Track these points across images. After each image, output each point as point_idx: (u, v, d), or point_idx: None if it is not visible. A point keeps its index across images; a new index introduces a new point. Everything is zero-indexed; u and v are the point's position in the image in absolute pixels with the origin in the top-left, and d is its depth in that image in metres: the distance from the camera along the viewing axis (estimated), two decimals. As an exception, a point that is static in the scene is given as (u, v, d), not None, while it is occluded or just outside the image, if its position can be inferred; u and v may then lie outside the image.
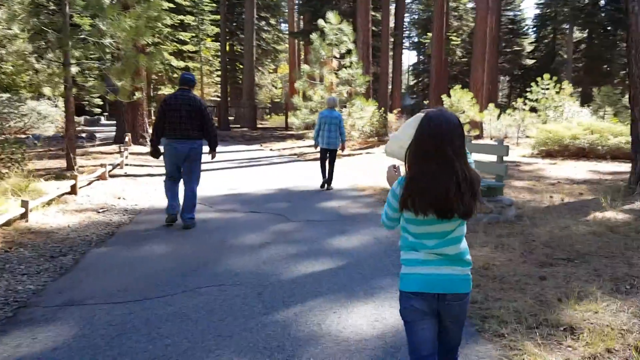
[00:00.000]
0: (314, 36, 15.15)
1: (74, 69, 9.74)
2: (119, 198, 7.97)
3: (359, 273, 4.43)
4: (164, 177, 6.28)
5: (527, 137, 20.12)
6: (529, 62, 39.33)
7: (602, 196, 7.65)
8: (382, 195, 8.38)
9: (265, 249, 5.21)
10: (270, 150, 17.90)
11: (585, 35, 38.39)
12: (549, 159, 14.26)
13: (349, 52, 15.45)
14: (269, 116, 36.87)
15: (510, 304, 3.64)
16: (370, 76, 16.79)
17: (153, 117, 32.61)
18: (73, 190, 7.79)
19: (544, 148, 15.22)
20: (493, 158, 6.96)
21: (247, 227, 6.18)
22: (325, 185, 9.03)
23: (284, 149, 18.24)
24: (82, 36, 9.81)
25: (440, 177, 1.86)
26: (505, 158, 6.77)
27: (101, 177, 9.42)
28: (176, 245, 5.37)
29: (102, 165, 9.85)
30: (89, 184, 8.92)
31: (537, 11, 40.54)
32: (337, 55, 15.46)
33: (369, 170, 11.92)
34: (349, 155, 15.50)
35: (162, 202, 7.00)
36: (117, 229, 6.06)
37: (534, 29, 43.56)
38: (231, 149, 17.57)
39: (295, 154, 16.30)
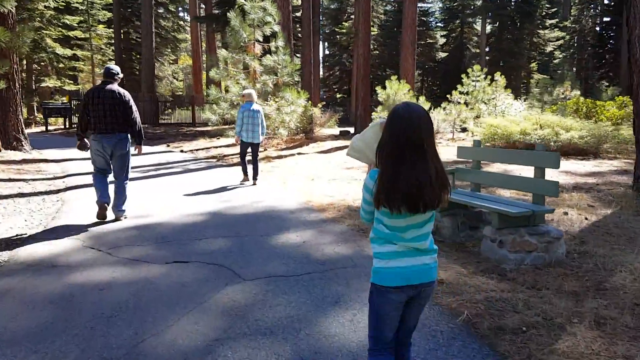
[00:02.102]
0: (232, 15, 12.60)
1: None
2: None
3: None
4: (92, 172, 6.17)
5: (463, 132, 18.98)
6: (442, 54, 39.06)
7: (626, 208, 6.09)
8: (353, 218, 6.19)
9: (218, 362, 2.82)
10: (182, 151, 15.04)
11: (494, 28, 38.75)
12: (499, 157, 12.89)
13: (273, 35, 13.07)
14: (170, 110, 33.34)
15: None
16: (299, 64, 14.50)
17: (38, 115, 28.26)
18: None
19: (489, 145, 13.89)
20: (510, 168, 4.98)
21: (174, 300, 3.69)
22: (251, 180, 8.90)
23: (197, 149, 15.46)
24: None
25: (414, 173, 1.87)
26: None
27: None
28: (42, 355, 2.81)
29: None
30: None
31: (446, 3, 40.28)
32: (260, 39, 13.04)
33: (314, 176, 9.67)
34: (278, 157, 13.15)
35: (40, 239, 4.29)
36: None
37: (442, 22, 43.60)
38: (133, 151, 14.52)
39: (213, 157, 13.64)
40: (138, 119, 6.13)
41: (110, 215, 6.11)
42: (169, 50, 47.69)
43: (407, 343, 2.27)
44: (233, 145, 16.25)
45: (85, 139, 6.01)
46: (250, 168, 9.01)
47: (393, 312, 2.07)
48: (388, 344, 2.15)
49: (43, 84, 27.49)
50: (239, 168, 10.77)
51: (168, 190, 8.29)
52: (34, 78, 27.70)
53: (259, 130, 8.79)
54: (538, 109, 19.34)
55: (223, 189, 8.44)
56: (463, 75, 19.38)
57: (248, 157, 9.11)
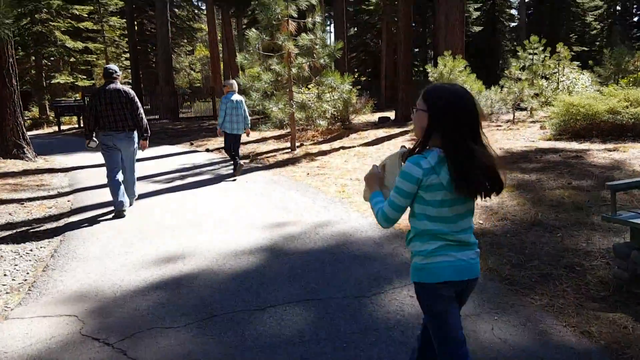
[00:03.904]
0: (261, -13, 10.62)
1: None
2: None
3: None
4: (106, 176, 6.20)
5: (522, 112, 16.74)
6: (476, 28, 36.44)
7: None
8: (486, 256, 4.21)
9: None
10: (207, 150, 13.13)
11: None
12: (585, 142, 10.73)
13: (309, 9, 11.03)
14: (188, 102, 31.53)
15: None
16: (341, 42, 12.39)
17: (50, 114, 26.62)
18: None
19: (569, 126, 11.72)
20: None
21: None
22: (238, 169, 8.77)
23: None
24: None
25: (485, 152, 1.85)
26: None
27: None
28: None
29: None
30: None
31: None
32: (295, 15, 11.01)
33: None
34: (319, 153, 11.15)
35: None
36: None
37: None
38: (152, 153, 12.66)
39: (245, 157, 11.73)
40: (143, 115, 6.34)
41: (126, 202, 6.30)
42: (185, 40, 45.98)
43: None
44: (264, 140, 14.35)
45: (94, 138, 6.13)
46: None
47: (450, 308, 1.94)
48: (459, 345, 1.94)
49: (54, 81, 25.80)
50: (280, 173, 8.88)
51: (199, 209, 6.39)
52: (44, 74, 26.02)
53: (243, 121, 8.64)
54: (600, 83, 16.94)
55: (266, 203, 6.52)
56: (519, 48, 17.06)
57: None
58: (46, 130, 23.19)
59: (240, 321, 3.24)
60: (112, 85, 6.04)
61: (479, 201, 6.23)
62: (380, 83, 29.57)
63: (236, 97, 8.57)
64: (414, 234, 1.98)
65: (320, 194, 7.03)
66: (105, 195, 7.35)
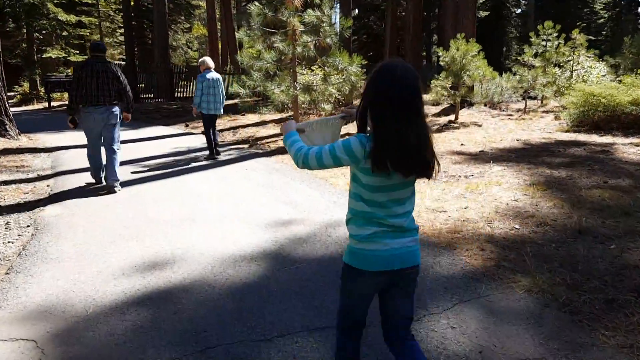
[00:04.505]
0: (265, -43, 9.78)
1: None
2: None
3: None
4: (86, 154, 6.33)
5: (531, 101, 16.03)
6: (483, 13, 35.47)
7: None
8: (528, 273, 3.54)
9: None
10: (203, 133, 12.35)
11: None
12: (606, 135, 10.07)
13: (316, -18, 10.20)
14: (184, 82, 30.52)
15: None
16: (350, 20, 11.55)
17: (42, 89, 25.53)
18: None
19: (588, 118, 11.02)
20: None
21: None
22: (213, 152, 8.54)
23: (221, 130, 12.80)
24: None
25: (414, 131, 1.74)
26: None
27: None
28: None
29: None
30: None
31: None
32: (300, -11, 10.20)
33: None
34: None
35: None
36: None
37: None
38: (145, 134, 11.88)
39: (244, 141, 11.00)
40: (129, 90, 6.29)
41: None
42: (183, 17, 44.71)
43: (408, 338, 2.00)
44: (263, 124, 13.60)
45: (75, 117, 6.21)
46: None
47: (366, 293, 1.94)
48: (357, 326, 2.03)
49: (45, 55, 24.79)
50: (283, 160, 8.18)
51: (193, 201, 5.69)
52: (35, 48, 24.99)
53: (220, 101, 8.33)
54: (614, 73, 16.21)
55: (269, 196, 5.82)
56: (531, 34, 16.30)
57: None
58: (36, 106, 22.31)
59: (240, 357, 2.56)
60: (99, 60, 6.06)
61: (509, 202, 5.60)
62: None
63: (213, 75, 8.24)
64: (350, 215, 1.93)
65: (328, 186, 6.34)
66: (88, 179, 6.64)
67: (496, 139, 10.03)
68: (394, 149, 1.71)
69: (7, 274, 3.69)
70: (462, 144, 9.38)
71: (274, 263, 3.82)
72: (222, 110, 8.49)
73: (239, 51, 13.84)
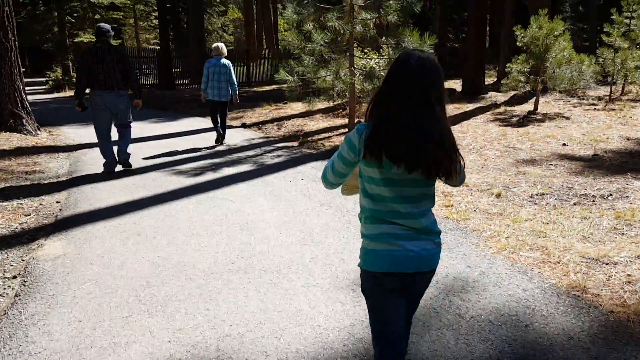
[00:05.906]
0: None
1: None
2: None
3: None
4: (96, 137, 6.31)
5: (605, 86, 13.96)
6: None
7: None
8: None
9: None
10: (244, 126, 10.86)
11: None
12: None
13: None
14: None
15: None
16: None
17: (68, 74, 24.57)
18: None
19: None
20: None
21: None
22: (220, 140, 8.43)
23: (264, 122, 11.29)
24: None
25: (418, 123, 1.58)
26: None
27: None
28: None
29: None
30: None
31: None
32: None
33: (493, 184, 5.28)
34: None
35: None
36: None
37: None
38: (179, 127, 10.45)
39: (291, 137, 9.47)
40: (136, 74, 6.46)
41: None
42: (218, 0, 43.42)
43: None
44: (310, 114, 12.04)
45: (83, 101, 6.15)
46: None
47: (389, 298, 1.75)
48: (396, 343, 1.80)
49: (77, 39, 23.79)
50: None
51: (237, 235, 4.19)
52: (67, 32, 24.00)
53: (227, 87, 8.15)
54: None
55: (344, 230, 4.28)
56: (613, 10, 14.16)
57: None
58: (67, 93, 21.30)
59: None
60: (105, 45, 6.06)
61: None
62: (431, 50, 26.68)
63: (222, 61, 8.10)
64: (360, 215, 1.81)
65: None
66: (111, 194, 5.25)
67: (599, 136, 8.23)
68: (388, 138, 1.58)
69: (7, 312, 2.28)
70: (563, 144, 7.62)
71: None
72: (228, 98, 8.22)
73: (280, 34, 12.25)
